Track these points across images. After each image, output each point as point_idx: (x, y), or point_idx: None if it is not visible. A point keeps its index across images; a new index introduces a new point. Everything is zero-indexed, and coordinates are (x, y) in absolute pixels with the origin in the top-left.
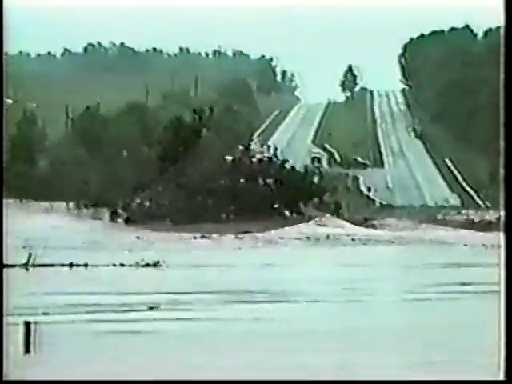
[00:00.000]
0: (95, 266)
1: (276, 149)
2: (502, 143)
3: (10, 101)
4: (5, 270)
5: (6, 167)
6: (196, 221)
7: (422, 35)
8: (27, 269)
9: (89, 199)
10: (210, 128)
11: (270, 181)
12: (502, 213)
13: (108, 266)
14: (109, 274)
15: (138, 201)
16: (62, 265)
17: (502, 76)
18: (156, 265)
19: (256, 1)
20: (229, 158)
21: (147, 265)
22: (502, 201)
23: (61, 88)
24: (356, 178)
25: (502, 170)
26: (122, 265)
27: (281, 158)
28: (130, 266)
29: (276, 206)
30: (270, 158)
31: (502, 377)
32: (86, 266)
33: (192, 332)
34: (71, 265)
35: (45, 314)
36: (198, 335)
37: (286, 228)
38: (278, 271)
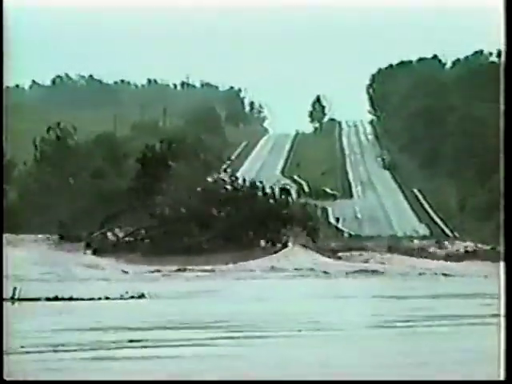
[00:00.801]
0: (80, 299)
1: (244, 180)
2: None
3: None
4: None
5: None
6: (168, 252)
7: (391, 65)
8: (13, 303)
9: (57, 231)
10: (178, 158)
11: (241, 210)
12: (502, 244)
13: (93, 299)
14: (95, 307)
15: (105, 231)
16: (48, 298)
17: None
18: (141, 297)
19: (223, 31)
20: (198, 189)
21: (132, 297)
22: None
23: (29, 119)
24: (325, 209)
25: (502, 203)
26: (107, 298)
27: (250, 188)
28: (115, 298)
29: (248, 235)
30: (240, 187)
31: (502, 377)
32: (70, 299)
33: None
34: (56, 298)
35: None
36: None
37: (259, 260)
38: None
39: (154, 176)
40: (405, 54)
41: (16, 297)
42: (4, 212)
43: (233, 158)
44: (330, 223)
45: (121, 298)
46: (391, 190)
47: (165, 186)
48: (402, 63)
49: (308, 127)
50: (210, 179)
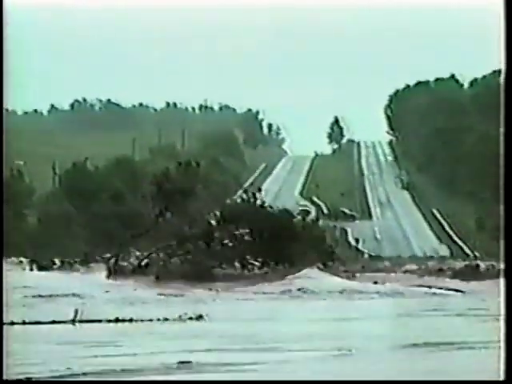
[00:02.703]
0: (140, 320)
1: (263, 202)
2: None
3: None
4: (53, 325)
5: None
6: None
7: (408, 86)
8: (74, 324)
9: (77, 255)
10: (197, 181)
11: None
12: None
13: (152, 320)
14: (159, 328)
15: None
16: (109, 320)
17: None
18: (198, 318)
19: (241, 53)
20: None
21: (190, 318)
22: (502, 248)
23: (48, 144)
24: (344, 230)
25: (502, 220)
26: (166, 319)
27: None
28: (174, 319)
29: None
30: (263, 208)
31: (502, 377)
32: (130, 320)
33: None
34: (117, 320)
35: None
36: None
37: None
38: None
39: (172, 199)
40: (422, 75)
41: (77, 319)
42: (24, 236)
43: (251, 179)
44: (350, 244)
45: (180, 319)
46: (410, 211)
47: (182, 209)
48: (419, 83)
49: (326, 149)
50: (228, 200)
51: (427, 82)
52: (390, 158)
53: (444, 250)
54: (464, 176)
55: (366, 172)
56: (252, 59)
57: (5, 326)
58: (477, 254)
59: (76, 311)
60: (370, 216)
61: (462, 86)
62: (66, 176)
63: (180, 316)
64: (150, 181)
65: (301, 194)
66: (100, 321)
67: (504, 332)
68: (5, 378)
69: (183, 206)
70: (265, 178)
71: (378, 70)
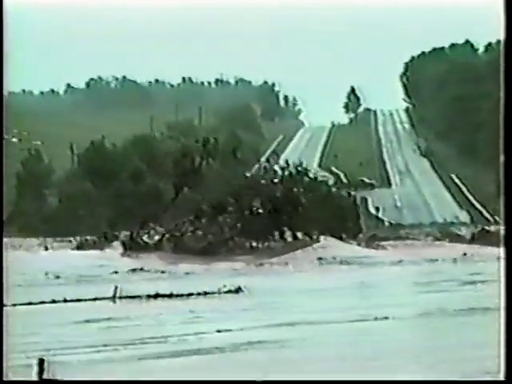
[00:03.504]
0: (180, 295)
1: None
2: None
3: (14, 139)
4: (95, 302)
5: (14, 205)
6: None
7: (423, 53)
8: (114, 301)
9: (97, 233)
10: (215, 156)
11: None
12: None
13: (192, 294)
14: (204, 303)
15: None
16: (148, 296)
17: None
18: (238, 291)
19: (255, 26)
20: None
21: (229, 291)
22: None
23: (65, 124)
24: (364, 199)
25: (502, 182)
26: (206, 293)
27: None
28: (213, 293)
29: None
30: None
31: (502, 377)
32: (170, 296)
33: None
34: (157, 295)
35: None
36: None
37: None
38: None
39: (190, 175)
40: (437, 41)
41: (117, 295)
42: (44, 216)
43: (269, 152)
44: (370, 213)
45: (218, 293)
46: (429, 177)
47: (201, 184)
48: (434, 50)
49: (343, 118)
50: (248, 173)
51: (442, 49)
52: (407, 126)
53: (464, 216)
54: (483, 142)
55: (383, 140)
56: (267, 31)
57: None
58: (497, 218)
59: (116, 288)
60: (389, 184)
61: (476, 50)
62: (85, 155)
63: (219, 289)
64: (169, 158)
65: (319, 164)
66: (140, 297)
67: (504, 332)
68: (5, 378)
69: (201, 182)
70: (283, 150)
71: (393, 39)
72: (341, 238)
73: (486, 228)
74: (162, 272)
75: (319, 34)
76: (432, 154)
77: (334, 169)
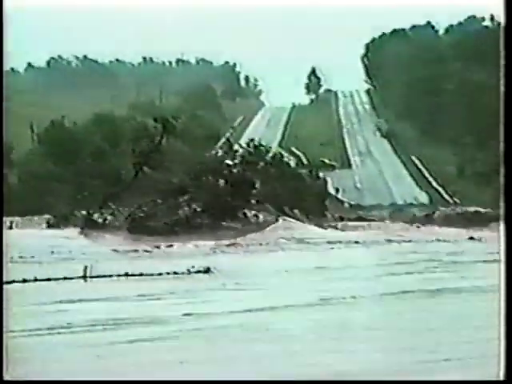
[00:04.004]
0: (150, 274)
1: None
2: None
3: None
4: (65, 281)
5: None
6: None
7: (384, 34)
8: (85, 280)
9: (58, 212)
10: (175, 135)
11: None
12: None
13: (161, 274)
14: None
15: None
16: (118, 275)
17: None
18: (207, 271)
19: (214, 5)
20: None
21: (199, 271)
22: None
23: (26, 103)
24: (324, 180)
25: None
26: (175, 273)
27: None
28: (183, 273)
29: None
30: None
31: (502, 377)
32: (141, 275)
33: None
34: (127, 274)
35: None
36: None
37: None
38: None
39: (150, 154)
40: (398, 23)
41: (88, 275)
42: (4, 195)
43: (230, 131)
44: (329, 194)
45: (188, 273)
46: (390, 159)
47: (161, 163)
48: (394, 31)
49: (304, 99)
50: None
51: (403, 30)
52: (368, 107)
53: (424, 197)
54: (444, 124)
55: (344, 121)
56: (228, 11)
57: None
58: (456, 200)
59: (85, 267)
60: (349, 165)
61: (437, 32)
62: (45, 134)
63: (188, 270)
64: (128, 137)
65: (280, 145)
66: (110, 276)
67: (504, 332)
68: (5, 378)
69: (162, 161)
70: (244, 130)
71: (355, 19)
72: (306, 219)
73: (444, 209)
74: (115, 251)
75: (280, 13)
76: (393, 135)
77: (294, 149)
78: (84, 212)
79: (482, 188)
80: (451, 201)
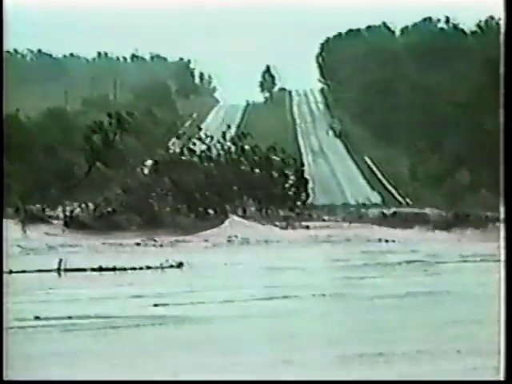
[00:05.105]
0: (123, 269)
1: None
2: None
3: None
4: (40, 274)
5: None
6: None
7: (339, 34)
8: (59, 274)
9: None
10: (128, 131)
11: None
12: (502, 209)
13: (135, 268)
14: (145, 276)
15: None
16: (93, 269)
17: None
18: (179, 266)
19: (171, 3)
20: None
21: (171, 266)
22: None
23: None
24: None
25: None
26: (148, 267)
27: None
28: (156, 267)
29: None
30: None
31: (501, 377)
32: (114, 269)
33: None
34: (101, 269)
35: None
36: None
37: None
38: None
39: (103, 150)
40: (354, 23)
41: (62, 268)
42: None
43: (183, 129)
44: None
45: (161, 267)
46: (343, 159)
47: (114, 160)
48: (350, 31)
49: (259, 97)
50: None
51: (358, 30)
52: (322, 107)
53: (376, 198)
54: (397, 125)
55: (298, 120)
56: (184, 9)
57: None
58: (408, 200)
59: (60, 261)
60: (302, 165)
61: (393, 33)
62: None
63: (161, 264)
64: (81, 132)
65: (233, 143)
66: (84, 269)
67: (504, 332)
68: (5, 378)
69: (115, 157)
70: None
71: (310, 19)
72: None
73: (396, 210)
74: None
75: (236, 11)
76: (346, 135)
77: (247, 147)
78: (38, 207)
79: (435, 190)
80: (403, 201)
